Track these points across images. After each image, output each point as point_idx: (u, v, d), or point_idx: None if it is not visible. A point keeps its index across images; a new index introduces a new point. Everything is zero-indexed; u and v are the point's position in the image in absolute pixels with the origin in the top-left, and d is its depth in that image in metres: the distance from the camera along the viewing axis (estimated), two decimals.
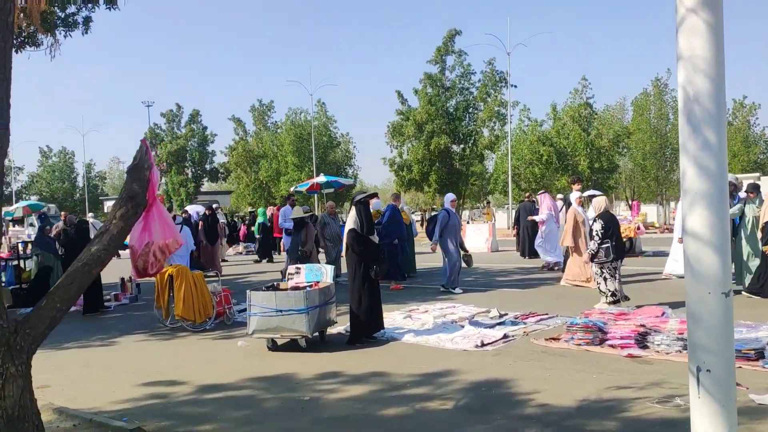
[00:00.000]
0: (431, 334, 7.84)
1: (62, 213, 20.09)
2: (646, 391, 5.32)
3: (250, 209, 24.90)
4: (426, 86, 35.05)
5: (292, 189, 27.17)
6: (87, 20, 10.54)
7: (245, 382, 6.26)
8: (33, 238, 16.03)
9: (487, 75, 34.61)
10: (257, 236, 21.47)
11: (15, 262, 14.60)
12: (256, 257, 21.23)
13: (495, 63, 34.41)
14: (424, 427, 4.80)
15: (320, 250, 12.98)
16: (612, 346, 6.82)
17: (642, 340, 6.83)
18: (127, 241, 4.00)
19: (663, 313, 7.77)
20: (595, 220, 9.25)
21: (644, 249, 17.60)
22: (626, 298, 9.23)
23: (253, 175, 43.61)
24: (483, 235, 21.98)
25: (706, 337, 2.73)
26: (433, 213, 14.74)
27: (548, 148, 35.32)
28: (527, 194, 20.16)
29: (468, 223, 29.98)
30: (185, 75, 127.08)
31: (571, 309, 9.14)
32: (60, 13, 9.92)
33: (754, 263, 9.84)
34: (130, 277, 12.94)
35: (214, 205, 18.81)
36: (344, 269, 9.55)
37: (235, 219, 30.16)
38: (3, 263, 15.32)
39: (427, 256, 13.96)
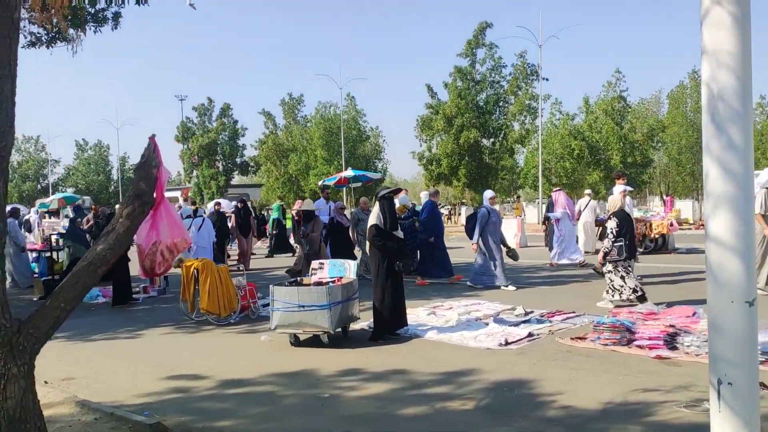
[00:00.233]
0: (454, 332, 7.75)
1: (92, 206, 20.42)
2: (674, 395, 5.17)
3: (278, 203, 25.02)
4: (456, 80, 34.78)
5: (319, 183, 27.24)
6: (116, 16, 10.65)
7: (266, 378, 6.26)
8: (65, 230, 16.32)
9: (518, 68, 34.21)
10: (273, 231, 21.52)
11: (48, 254, 14.90)
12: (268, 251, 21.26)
13: (526, 56, 33.99)
14: (442, 428, 4.73)
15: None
16: (640, 346, 6.64)
17: (671, 341, 6.65)
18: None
19: (694, 313, 7.57)
20: (609, 218, 9.15)
21: (677, 246, 17.21)
22: (643, 297, 8.96)
23: (282, 169, 43.86)
24: (512, 230, 21.71)
25: (728, 348, 2.59)
26: (472, 210, 14.48)
27: (580, 142, 34.78)
28: (557, 189, 19.87)
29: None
30: (217, 69, 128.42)
31: (598, 307, 8.97)
32: (90, 9, 10.03)
33: None
34: None
35: (242, 199, 18.90)
36: None
37: (263, 213, 30.34)
38: (37, 254, 15.67)
39: (454, 251, 13.84)
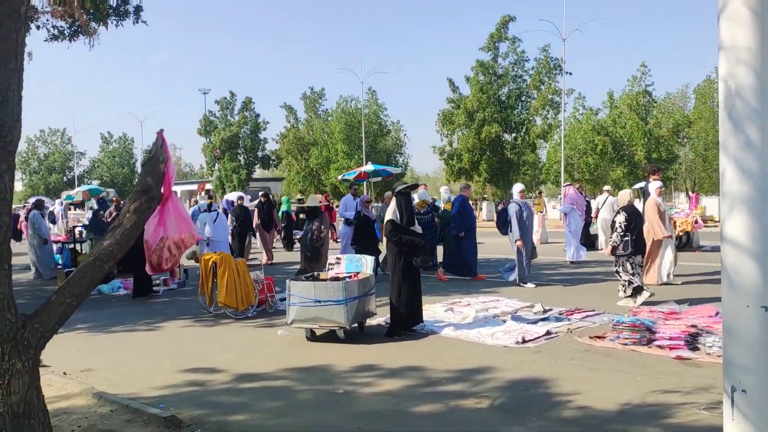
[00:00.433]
0: (471, 329, 7.70)
1: (114, 198, 20.65)
2: (694, 396, 5.08)
3: (299, 197, 25.08)
4: (478, 74, 34.56)
5: (339, 177, 27.24)
6: (138, 9, 10.72)
7: (282, 372, 6.27)
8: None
9: (541, 62, 33.88)
10: (282, 224, 21.56)
11: (71, 246, 15.10)
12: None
13: (549, 49, 33.64)
14: (456, 426, 4.69)
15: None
16: (660, 346, 6.53)
17: (692, 341, 6.53)
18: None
19: (717, 313, 7.41)
20: (618, 213, 9.12)
21: (702, 244, 16.92)
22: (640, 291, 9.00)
23: (303, 163, 43.98)
24: (532, 226, 21.54)
25: (742, 354, 2.50)
26: (494, 205, 14.25)
27: (603, 137, 34.38)
28: (578, 185, 19.67)
29: None
30: (239, 63, 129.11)
31: (618, 306, 8.85)
32: (112, 3, 10.11)
33: None
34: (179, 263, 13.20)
35: (260, 193, 18.93)
36: None
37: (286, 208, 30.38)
38: (60, 246, 15.89)
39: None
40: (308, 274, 8.35)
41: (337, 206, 28.02)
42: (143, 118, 64.19)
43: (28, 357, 3.30)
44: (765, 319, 2.45)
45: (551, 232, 22.19)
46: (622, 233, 8.94)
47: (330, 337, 7.50)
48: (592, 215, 17.40)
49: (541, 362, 6.28)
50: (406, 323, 7.67)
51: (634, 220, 9.00)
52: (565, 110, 34.23)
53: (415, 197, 13.65)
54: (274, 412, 5.13)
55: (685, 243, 16.40)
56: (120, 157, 64.01)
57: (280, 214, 22.31)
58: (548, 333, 7.39)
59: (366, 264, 8.17)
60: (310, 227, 10.50)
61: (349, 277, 7.90)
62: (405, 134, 45.17)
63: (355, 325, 7.58)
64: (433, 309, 8.85)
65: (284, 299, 9.24)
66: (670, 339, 6.57)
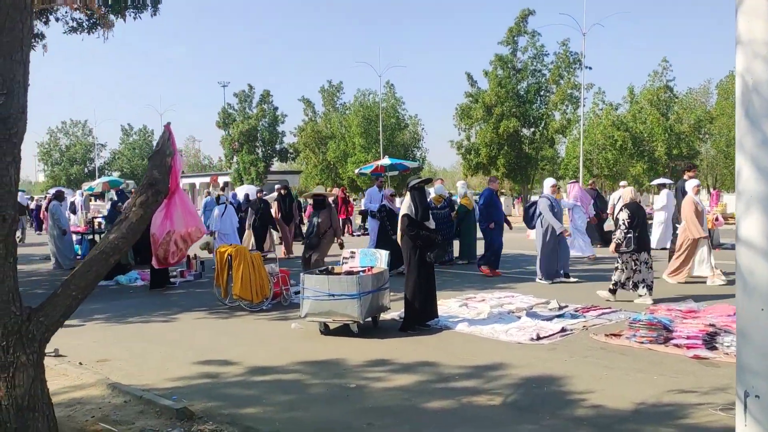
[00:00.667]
0: (486, 325, 7.65)
1: (132, 190, 20.79)
2: (710, 397, 4.99)
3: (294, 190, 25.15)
4: (496, 68, 34.31)
5: (356, 171, 27.22)
6: (156, 2, 10.73)
7: (294, 366, 6.27)
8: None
9: (560, 56, 33.54)
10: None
11: (90, 236, 15.25)
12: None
13: (569, 44, 33.29)
14: (467, 423, 4.65)
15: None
16: (677, 345, 6.44)
17: (710, 340, 6.43)
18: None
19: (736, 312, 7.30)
20: (621, 210, 9.19)
21: (722, 241, 16.65)
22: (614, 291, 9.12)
23: (321, 156, 44.01)
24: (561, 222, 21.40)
25: (756, 358, 2.41)
26: (531, 200, 14.02)
27: (623, 132, 34.02)
28: (590, 181, 19.49)
29: None
30: (258, 56, 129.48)
31: (636, 304, 8.74)
32: None
33: None
34: (195, 255, 13.29)
35: (276, 186, 18.94)
36: None
37: (300, 200, 30.47)
38: (80, 237, 16.07)
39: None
40: (323, 268, 8.34)
41: (354, 200, 28.07)
42: (163, 111, 64.52)
43: (33, 350, 3.30)
44: None
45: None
46: (625, 230, 8.96)
47: (344, 331, 7.50)
48: (608, 211, 17.23)
49: (556, 359, 6.22)
50: (421, 318, 7.64)
51: (637, 217, 9.01)
52: (584, 105, 33.93)
53: (432, 192, 13.62)
54: (286, 406, 5.13)
55: None
56: (140, 148, 64.59)
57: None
58: (563, 330, 7.32)
59: (380, 258, 8.14)
60: (316, 220, 10.23)
61: (364, 271, 7.88)
62: (423, 128, 45.04)
63: (369, 319, 7.57)
64: (447, 304, 8.82)
65: (299, 292, 9.26)
66: (688, 338, 6.48)
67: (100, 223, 16.00)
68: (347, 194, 26.22)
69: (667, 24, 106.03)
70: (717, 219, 16.45)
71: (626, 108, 36.64)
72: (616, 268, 9.20)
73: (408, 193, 7.70)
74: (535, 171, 35.99)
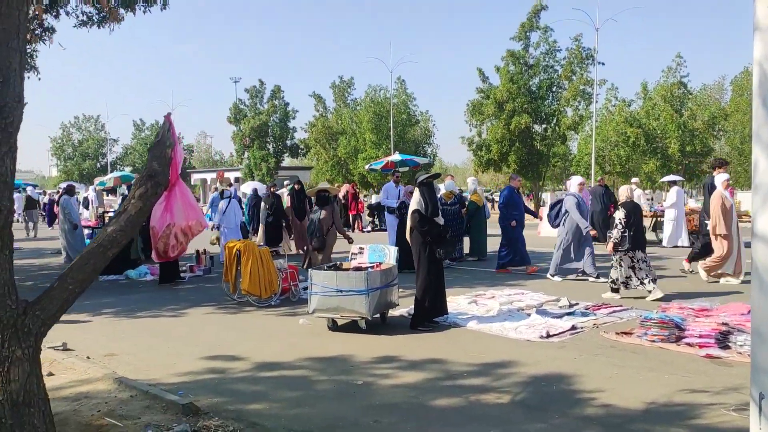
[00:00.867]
0: (495, 322, 7.58)
1: None
2: (723, 397, 4.91)
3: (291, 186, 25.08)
4: (508, 64, 34.02)
5: (366, 167, 27.16)
6: None
7: (302, 362, 6.24)
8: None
9: (572, 52, 33.21)
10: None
11: None
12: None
13: (582, 39, 32.97)
14: (475, 421, 4.60)
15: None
16: (689, 344, 6.35)
17: (723, 339, 6.33)
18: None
19: (749, 311, 7.17)
20: (617, 209, 9.23)
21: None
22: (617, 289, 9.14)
23: (331, 152, 43.94)
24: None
25: None
26: (556, 198, 13.74)
27: (636, 129, 33.69)
28: (599, 178, 19.32)
29: (543, 205, 29.11)
30: (269, 52, 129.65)
31: (647, 302, 8.64)
32: None
33: None
34: (205, 250, 13.30)
35: (285, 182, 18.91)
36: None
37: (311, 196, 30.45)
38: (91, 231, 16.13)
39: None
40: (331, 264, 8.30)
41: (365, 196, 28.00)
42: (175, 106, 64.75)
43: (29, 344, 3.24)
44: None
45: None
46: (621, 229, 9.00)
47: (352, 327, 7.46)
48: (590, 208, 17.02)
49: (565, 358, 6.15)
50: (430, 315, 7.59)
51: (633, 216, 9.04)
52: (596, 101, 33.62)
53: (442, 188, 13.54)
54: (292, 402, 5.10)
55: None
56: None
57: (284, 202, 22.18)
58: (573, 328, 7.24)
59: (389, 254, 8.09)
60: (318, 215, 10.09)
61: (372, 267, 7.83)
62: (434, 124, 44.83)
63: (377, 315, 7.53)
64: (457, 301, 8.76)
65: (307, 288, 9.23)
66: (700, 337, 6.38)
67: (111, 218, 16.04)
68: (357, 190, 26.16)
69: (682, 19, 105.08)
70: None
71: (639, 104, 36.27)
72: (612, 266, 9.23)
73: (417, 189, 7.63)
74: (547, 168, 35.70)
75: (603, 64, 35.77)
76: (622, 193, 9.52)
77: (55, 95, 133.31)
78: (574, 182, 11.40)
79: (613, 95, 36.92)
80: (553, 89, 34.19)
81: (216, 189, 17.40)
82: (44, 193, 37.80)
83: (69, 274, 3.37)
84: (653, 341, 6.53)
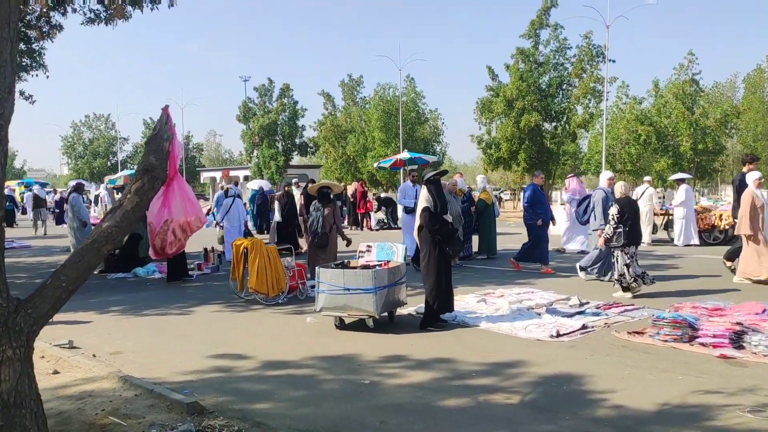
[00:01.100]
0: (504, 321, 7.48)
1: None
2: (737, 398, 4.80)
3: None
4: (518, 61, 33.85)
5: (375, 165, 27.06)
6: None
7: (308, 361, 6.18)
8: None
9: (583, 49, 32.98)
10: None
11: None
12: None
13: (592, 36, 32.73)
14: (483, 422, 4.51)
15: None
16: (703, 344, 6.23)
17: (737, 339, 6.21)
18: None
19: (764, 310, 7.04)
20: (612, 205, 9.28)
21: None
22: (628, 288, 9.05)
23: (340, 150, 43.90)
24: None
25: None
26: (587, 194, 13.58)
27: (647, 127, 33.45)
28: (571, 175, 19.15)
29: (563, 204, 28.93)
30: (278, 50, 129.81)
31: (659, 301, 8.51)
32: None
33: None
34: (213, 248, 13.28)
35: (293, 180, 18.86)
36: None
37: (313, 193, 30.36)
38: None
39: (512, 237, 13.45)
40: (338, 262, 8.23)
41: (374, 194, 27.89)
42: (184, 105, 64.88)
43: (20, 344, 3.15)
44: None
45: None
46: (614, 225, 9.03)
47: (359, 325, 7.39)
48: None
49: (576, 357, 6.05)
50: (438, 314, 7.49)
51: (627, 211, 9.04)
52: (607, 99, 33.36)
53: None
54: (298, 402, 5.03)
55: (730, 237, 15.82)
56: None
57: None
58: (584, 327, 7.14)
59: (397, 252, 8.01)
60: (319, 213, 9.85)
61: (380, 265, 7.75)
62: (443, 123, 44.68)
63: (385, 314, 7.45)
64: (465, 300, 8.66)
65: (315, 286, 9.16)
66: (714, 336, 6.26)
67: (106, 214, 16.04)
68: (366, 188, 26.08)
69: (694, 16, 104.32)
70: None
71: (650, 102, 36.02)
72: (626, 265, 9.08)
73: (424, 187, 7.53)
74: (557, 166, 35.49)
75: (614, 61, 35.60)
76: (617, 189, 9.46)
77: (67, 94, 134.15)
78: (603, 177, 11.33)
79: (624, 93, 36.70)
80: (563, 87, 33.99)
81: (221, 187, 17.40)
82: (55, 191, 38.00)
83: (62, 271, 3.29)
84: (666, 341, 6.42)
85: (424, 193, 7.48)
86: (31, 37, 12.61)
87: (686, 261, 12.84)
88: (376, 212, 24.78)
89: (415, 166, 21.01)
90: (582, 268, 10.71)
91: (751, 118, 36.51)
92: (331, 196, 10.30)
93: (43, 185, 33.60)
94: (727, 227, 15.69)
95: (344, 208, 24.36)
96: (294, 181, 16.82)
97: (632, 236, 9.07)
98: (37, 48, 13.34)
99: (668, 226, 17.10)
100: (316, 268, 7.58)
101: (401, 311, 8.03)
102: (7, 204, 29.00)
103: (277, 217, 15.88)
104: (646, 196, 16.04)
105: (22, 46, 12.80)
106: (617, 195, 9.37)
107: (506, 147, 33.75)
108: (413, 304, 8.23)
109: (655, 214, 16.76)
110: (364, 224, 23.71)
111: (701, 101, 34.84)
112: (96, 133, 66.76)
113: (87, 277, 3.55)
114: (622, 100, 36.93)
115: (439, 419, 4.61)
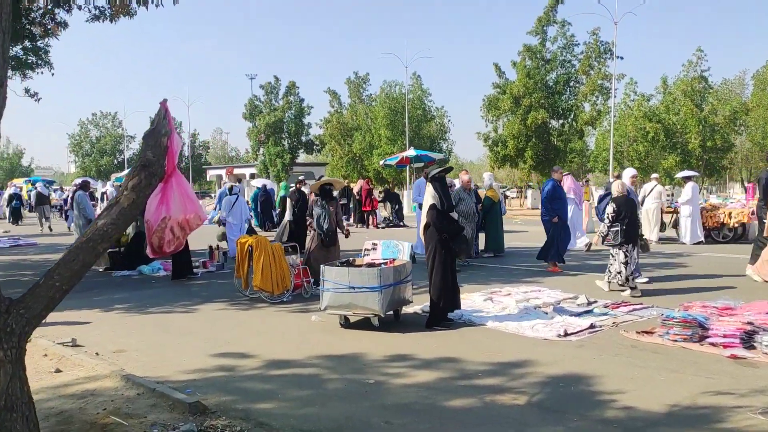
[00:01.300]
0: (511, 320, 7.40)
1: None
2: (749, 399, 4.71)
3: (284, 182, 25.06)
4: (525, 58, 33.71)
5: (381, 163, 26.99)
6: None
7: (313, 360, 6.11)
8: None
9: (590, 46, 32.80)
10: (278, 209, 21.45)
11: None
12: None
13: (600, 33, 32.55)
14: (490, 423, 4.44)
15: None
16: (713, 344, 6.13)
17: (748, 339, 6.11)
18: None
19: None
20: (608, 203, 9.32)
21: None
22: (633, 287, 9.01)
23: (346, 148, 43.83)
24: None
25: None
26: (605, 191, 13.40)
27: (655, 124, 33.18)
28: (615, 174, 19.00)
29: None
30: (284, 48, 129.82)
31: (669, 300, 8.41)
32: None
33: None
34: (218, 245, 13.23)
35: (300, 178, 18.75)
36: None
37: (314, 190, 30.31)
38: None
39: (518, 234, 13.34)
40: (343, 260, 8.16)
41: (380, 192, 27.80)
42: (190, 103, 64.89)
43: (12, 345, 3.06)
44: None
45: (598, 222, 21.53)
46: (609, 224, 9.06)
47: (364, 324, 7.32)
48: (582, 203, 16.74)
49: (584, 357, 5.96)
50: (445, 312, 7.41)
51: (624, 210, 9.04)
52: (615, 96, 33.17)
53: (457, 183, 13.32)
54: (302, 401, 4.96)
55: (740, 235, 15.70)
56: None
57: (277, 200, 22.11)
58: (592, 326, 7.04)
59: (403, 250, 7.94)
60: (325, 211, 9.67)
61: (385, 263, 7.68)
62: (449, 120, 44.60)
63: (390, 312, 7.38)
64: (472, 298, 8.58)
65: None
66: (725, 336, 6.16)
67: (102, 211, 16.03)
68: (372, 186, 26.00)
69: (702, 13, 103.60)
70: (753, 213, 15.93)
71: (659, 99, 35.74)
72: (625, 263, 9.03)
73: (429, 184, 7.44)
74: (564, 164, 35.30)
75: (621, 58, 35.43)
76: (615, 188, 9.43)
77: (73, 92, 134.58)
78: (626, 174, 11.32)
79: (632, 90, 36.43)
80: (571, 84, 33.85)
81: (225, 183, 17.39)
82: (62, 189, 38.08)
83: (56, 270, 3.20)
84: (675, 341, 6.32)
85: (429, 190, 7.39)
86: (36, 35, 12.59)
87: (695, 259, 12.72)
88: (382, 203, 24.74)
89: (422, 164, 20.96)
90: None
91: (761, 115, 36.17)
92: (334, 193, 10.24)
93: (50, 183, 33.67)
94: (736, 225, 15.55)
95: (350, 206, 24.32)
96: (300, 179, 16.71)
97: (630, 235, 9.04)
98: (42, 45, 13.32)
99: (677, 224, 16.96)
100: (321, 266, 7.51)
101: (407, 310, 7.96)
102: (15, 202, 29.15)
103: (288, 215, 15.81)
104: (654, 194, 15.92)
105: (27, 43, 12.79)
106: (615, 194, 9.32)
107: (513, 144, 33.63)
108: (419, 303, 8.15)
109: (663, 212, 16.63)
110: (370, 222, 23.65)
111: (710, 98, 34.55)
112: (103, 131, 66.94)
113: (82, 276, 3.46)
114: (630, 97, 36.69)
115: (444, 420, 4.54)
